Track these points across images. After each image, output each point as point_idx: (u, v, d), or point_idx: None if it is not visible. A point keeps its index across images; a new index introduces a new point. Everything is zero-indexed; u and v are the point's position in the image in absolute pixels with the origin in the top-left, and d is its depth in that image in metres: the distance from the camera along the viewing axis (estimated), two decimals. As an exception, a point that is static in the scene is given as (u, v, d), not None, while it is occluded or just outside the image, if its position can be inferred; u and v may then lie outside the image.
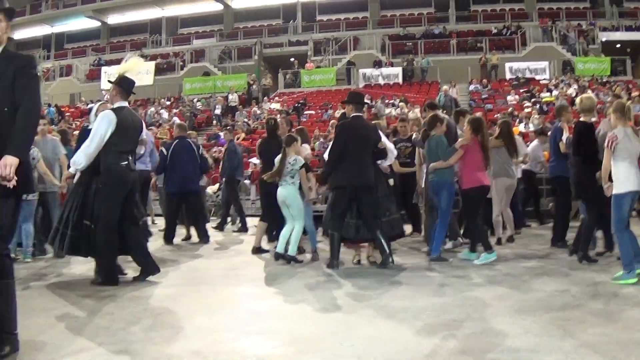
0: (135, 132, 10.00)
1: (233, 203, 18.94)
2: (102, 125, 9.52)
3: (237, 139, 30.37)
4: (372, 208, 11.04)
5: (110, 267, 9.62)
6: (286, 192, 11.79)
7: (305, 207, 12.14)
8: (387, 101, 36.85)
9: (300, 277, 10.20)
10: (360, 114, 11.61)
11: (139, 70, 10.15)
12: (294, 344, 6.09)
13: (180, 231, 15.75)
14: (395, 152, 12.02)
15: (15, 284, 5.75)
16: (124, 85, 10.12)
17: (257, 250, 13.04)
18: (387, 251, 10.93)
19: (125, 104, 10.06)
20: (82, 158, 9.55)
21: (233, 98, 42.67)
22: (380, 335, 6.36)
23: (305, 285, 9.43)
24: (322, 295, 8.56)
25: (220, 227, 18.75)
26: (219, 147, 27.65)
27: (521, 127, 27.85)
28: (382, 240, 10.93)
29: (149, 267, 9.95)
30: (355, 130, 11.29)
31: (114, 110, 9.86)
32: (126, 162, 9.61)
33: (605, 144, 9.33)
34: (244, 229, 18.12)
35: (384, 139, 11.68)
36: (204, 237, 15.40)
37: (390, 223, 11.27)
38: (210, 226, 17.09)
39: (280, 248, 11.79)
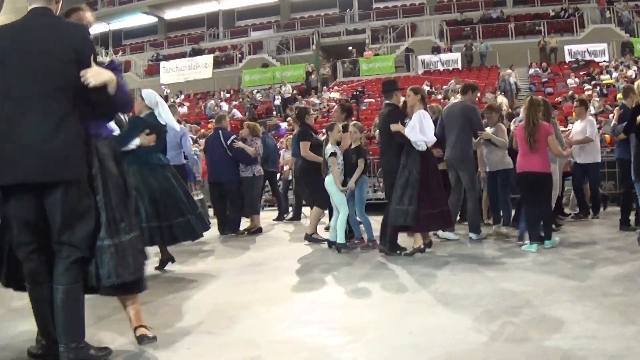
0: None
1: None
2: None
3: (297, 128, 30.43)
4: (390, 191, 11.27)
5: None
6: (325, 181, 11.98)
7: (358, 194, 12.11)
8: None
9: (357, 265, 10.19)
10: (388, 101, 11.76)
11: None
12: (351, 333, 6.06)
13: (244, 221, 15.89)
14: (416, 142, 11.63)
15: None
16: None
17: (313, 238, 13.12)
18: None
19: None
20: None
21: (286, 89, 42.77)
22: (439, 322, 6.30)
23: (362, 273, 9.40)
24: (380, 283, 8.51)
25: (279, 218, 18.96)
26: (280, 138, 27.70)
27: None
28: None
29: None
30: (380, 118, 12.00)
31: None
32: None
33: None
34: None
35: (407, 128, 11.40)
36: (226, 228, 15.37)
37: (397, 212, 10.95)
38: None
39: (331, 237, 11.98)
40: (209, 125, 33.02)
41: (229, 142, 14.93)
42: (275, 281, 9.05)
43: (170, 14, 62.42)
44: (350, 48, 49.47)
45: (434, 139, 11.15)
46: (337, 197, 11.83)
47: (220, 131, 15.33)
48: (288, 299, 7.90)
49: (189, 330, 6.22)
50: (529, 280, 8.24)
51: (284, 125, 32.81)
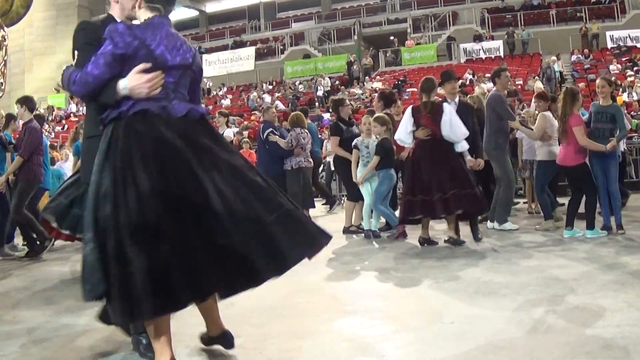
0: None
1: None
2: None
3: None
4: None
5: None
6: None
7: (377, 186, 12.04)
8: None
9: (397, 255, 10.18)
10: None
11: None
12: (392, 323, 6.05)
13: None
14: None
15: None
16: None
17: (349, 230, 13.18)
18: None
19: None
20: None
21: (325, 83, 42.83)
22: (481, 312, 6.26)
23: (406, 264, 9.36)
24: (422, 274, 8.46)
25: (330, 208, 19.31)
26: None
27: (625, 97, 27.42)
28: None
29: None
30: None
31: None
32: None
33: None
34: None
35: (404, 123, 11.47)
36: None
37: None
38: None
39: (365, 226, 12.30)
40: (252, 118, 33.17)
41: (264, 135, 14.94)
42: (315, 272, 8.93)
43: (211, 7, 62.78)
44: (391, 37, 49.33)
45: (401, 138, 11.20)
46: (361, 188, 12.15)
47: (262, 124, 15.44)
48: (328, 290, 7.95)
49: (230, 321, 6.17)
50: (572, 268, 8.16)
51: (326, 116, 32.82)
